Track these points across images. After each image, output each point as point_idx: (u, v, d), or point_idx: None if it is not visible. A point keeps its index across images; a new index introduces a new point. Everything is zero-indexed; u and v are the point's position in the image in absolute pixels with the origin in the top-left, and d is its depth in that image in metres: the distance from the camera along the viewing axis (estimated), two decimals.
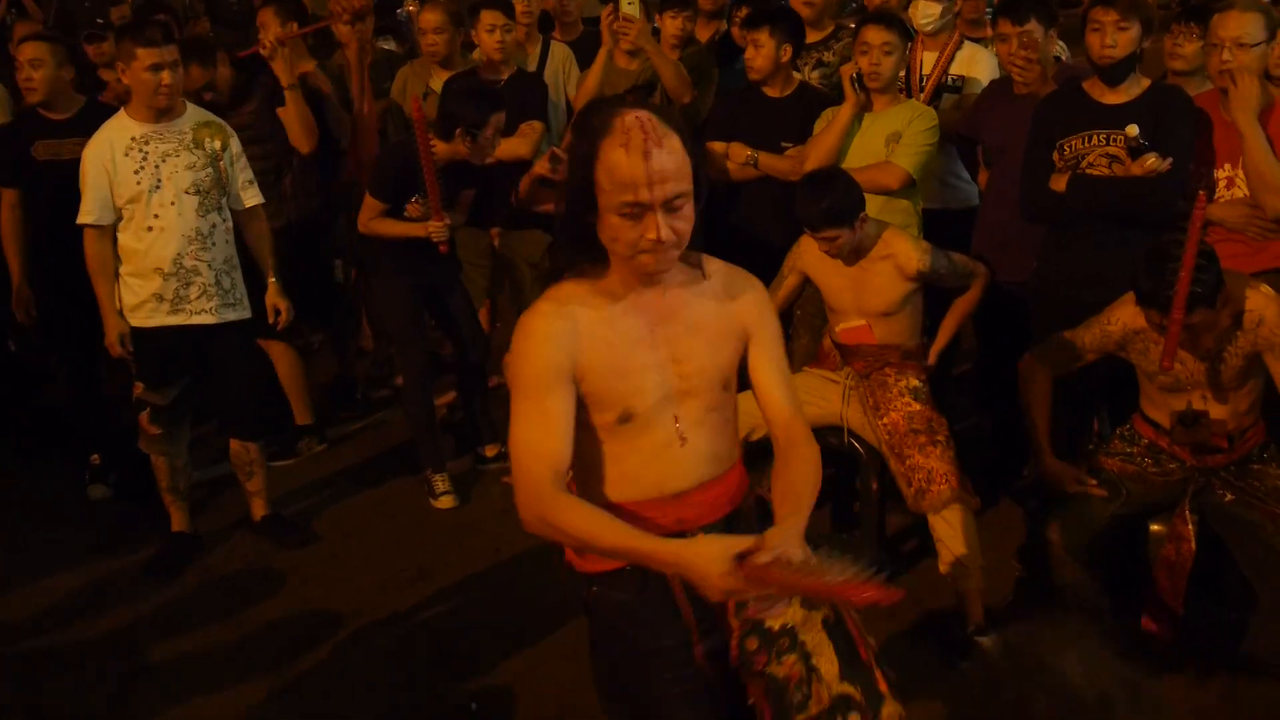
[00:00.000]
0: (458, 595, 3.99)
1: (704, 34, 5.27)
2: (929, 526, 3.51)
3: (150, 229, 3.89)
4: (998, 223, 4.13)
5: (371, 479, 4.84)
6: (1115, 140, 3.59)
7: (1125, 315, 3.24)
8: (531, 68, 5.11)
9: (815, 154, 4.10)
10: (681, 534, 2.02)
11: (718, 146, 4.49)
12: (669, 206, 1.90)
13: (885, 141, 4.02)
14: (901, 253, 3.61)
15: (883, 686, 2.10)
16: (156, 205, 3.88)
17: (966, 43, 4.67)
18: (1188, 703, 3.28)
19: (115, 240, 3.95)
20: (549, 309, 2.00)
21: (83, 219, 3.90)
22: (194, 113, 4.02)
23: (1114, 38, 3.55)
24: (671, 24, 4.99)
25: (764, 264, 4.03)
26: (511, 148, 4.63)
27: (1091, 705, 3.25)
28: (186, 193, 3.92)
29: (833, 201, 3.50)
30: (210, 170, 3.96)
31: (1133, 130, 3.52)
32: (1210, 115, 3.67)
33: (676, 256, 1.98)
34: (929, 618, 3.71)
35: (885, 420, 3.63)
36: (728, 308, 2.12)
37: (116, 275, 3.97)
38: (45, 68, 4.29)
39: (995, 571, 3.59)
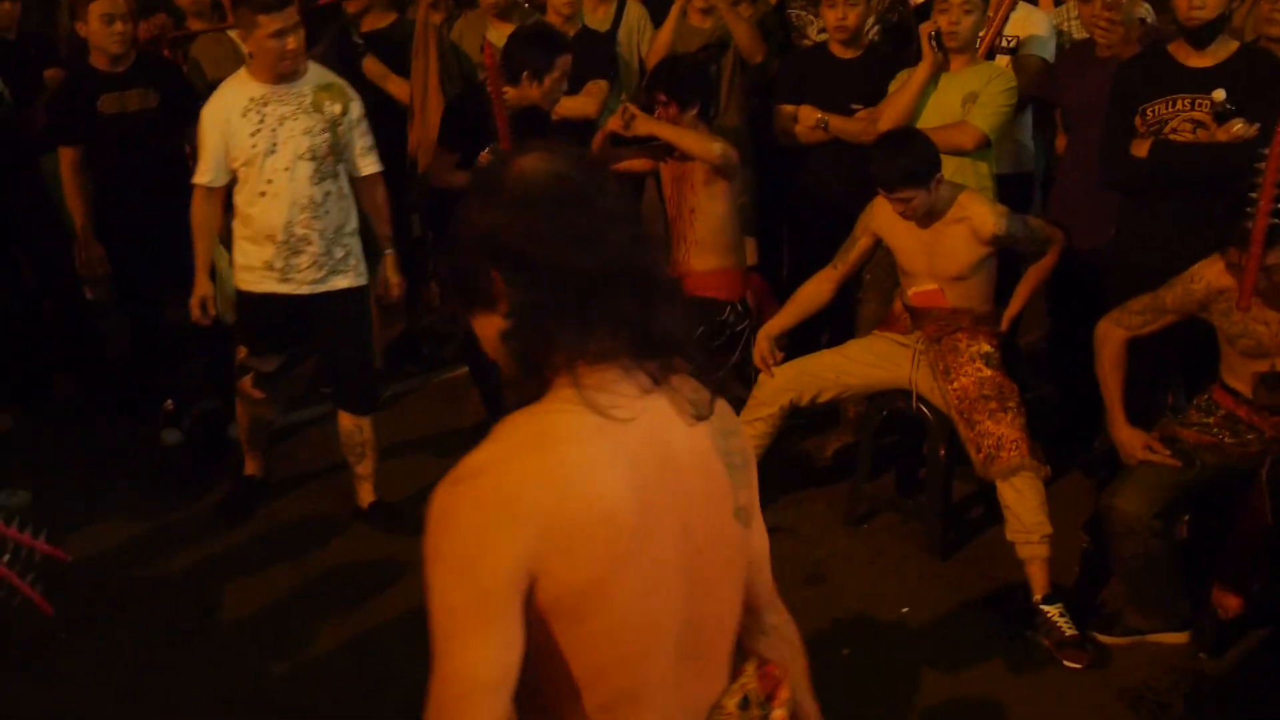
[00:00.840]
0: None
1: None
2: (997, 494, 3.49)
3: (263, 194, 3.75)
4: (1075, 189, 4.06)
5: (435, 435, 4.86)
6: (1201, 105, 3.51)
7: (1210, 274, 3.17)
8: (606, 27, 5.09)
9: (890, 113, 4.05)
10: None
11: (787, 109, 4.45)
12: None
13: (962, 102, 3.96)
14: (977, 216, 3.56)
15: None
16: (270, 170, 3.73)
17: (1021, 3, 4.59)
18: (1246, 686, 3.24)
19: (229, 202, 3.88)
20: (481, 481, 1.29)
21: (197, 179, 3.82)
22: (315, 74, 3.83)
23: None
24: None
25: (831, 227, 4.05)
26: (577, 106, 4.61)
27: (1148, 682, 3.26)
28: (301, 158, 3.75)
29: (909, 160, 3.46)
30: (328, 135, 3.79)
31: (1220, 95, 3.44)
32: None
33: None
34: (994, 586, 3.69)
35: (955, 385, 3.60)
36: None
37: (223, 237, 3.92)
38: (127, 22, 4.32)
39: (1062, 541, 3.56)
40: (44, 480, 4.36)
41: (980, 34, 4.40)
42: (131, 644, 3.53)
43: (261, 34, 3.61)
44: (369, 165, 3.96)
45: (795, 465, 4.42)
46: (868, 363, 3.83)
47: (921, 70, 4.02)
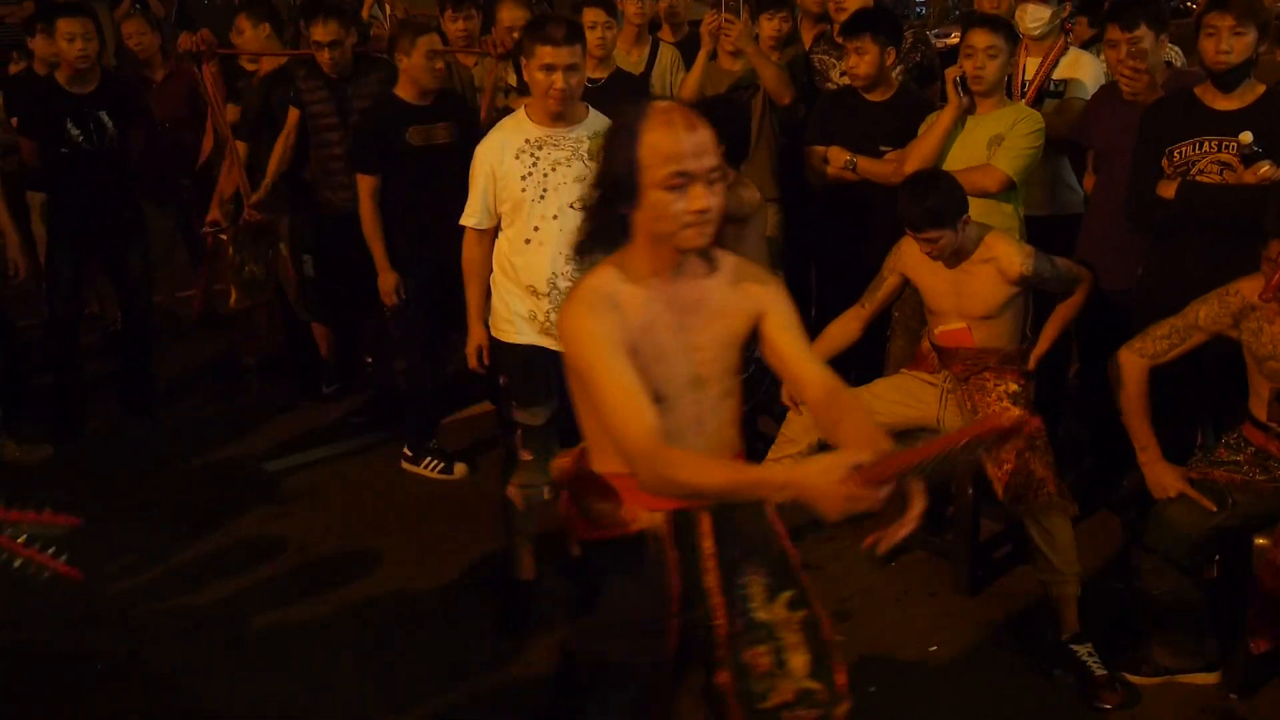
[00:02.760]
0: (554, 576, 4.04)
1: (808, 35, 5.28)
2: (1025, 532, 3.49)
3: (528, 241, 3.58)
4: (1103, 228, 4.09)
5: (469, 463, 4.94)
6: (1228, 147, 3.54)
7: (1247, 288, 3.19)
8: (640, 69, 5.18)
9: (916, 156, 4.09)
10: (689, 513, 2.24)
11: (818, 150, 4.51)
12: (709, 179, 2.05)
13: (988, 144, 4.00)
14: (1004, 256, 3.59)
15: (841, 685, 2.29)
16: (538, 216, 3.55)
17: (1071, 48, 4.63)
18: None
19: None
20: (591, 295, 2.12)
21: (465, 219, 3.69)
22: (595, 120, 3.61)
23: (1229, 43, 3.49)
24: (768, 25, 5.02)
25: (859, 267, 4.09)
26: None
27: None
28: (572, 207, 3.45)
29: (936, 201, 3.50)
30: None
31: (1246, 137, 3.46)
32: None
33: (713, 233, 2.12)
34: (1022, 624, 3.69)
35: None
36: (738, 295, 2.24)
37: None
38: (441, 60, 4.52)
39: (1090, 580, 3.56)
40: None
41: (1028, 78, 4.46)
42: (167, 675, 3.57)
43: (535, 64, 3.47)
44: None
45: None
46: (895, 400, 3.86)
47: (947, 114, 4.07)
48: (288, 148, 5.13)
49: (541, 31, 3.45)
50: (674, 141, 2.03)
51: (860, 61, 4.31)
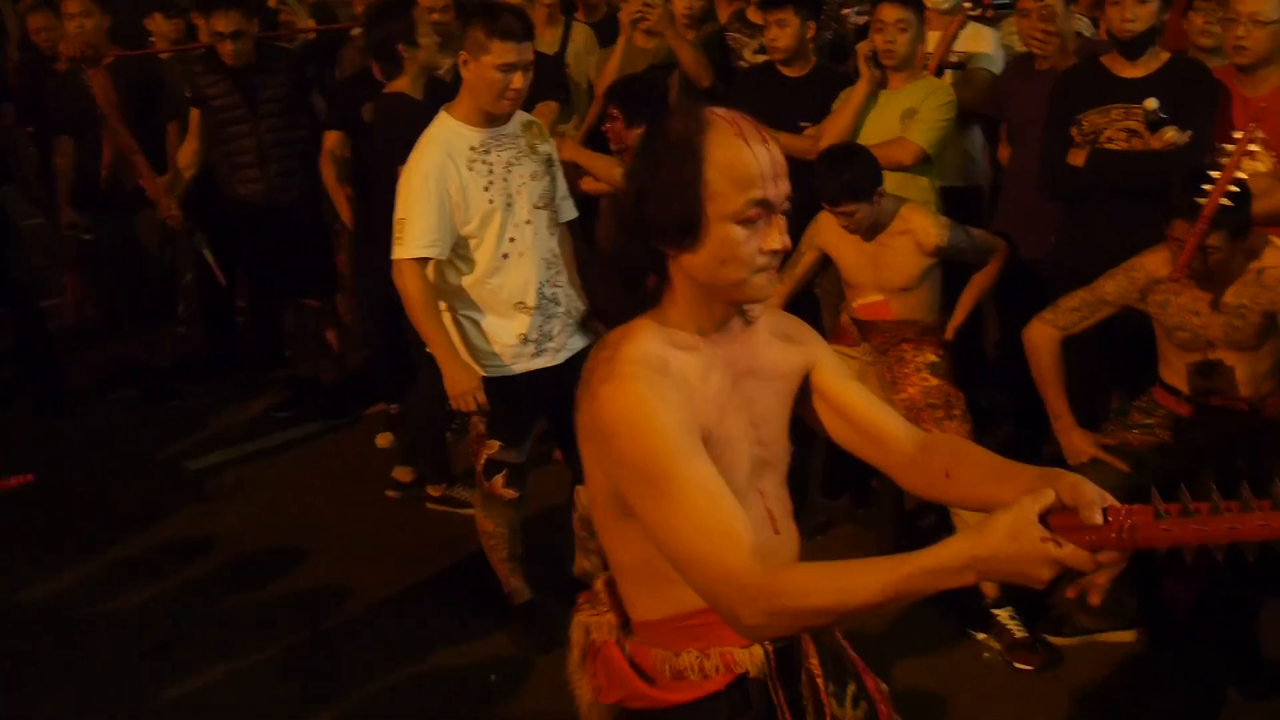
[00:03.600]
0: (485, 569, 4.02)
1: (725, 12, 5.27)
2: (952, 517, 3.53)
3: (506, 256, 3.27)
4: (1019, 199, 4.14)
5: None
6: (1134, 114, 3.59)
7: (1151, 263, 3.24)
8: (554, 49, 5.14)
9: (831, 131, 4.11)
10: (794, 639, 1.76)
11: None
12: (784, 210, 1.61)
13: (901, 118, 4.02)
14: (919, 228, 3.62)
15: None
16: (511, 226, 3.27)
17: (970, 22, 4.69)
18: (1192, 680, 3.30)
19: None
20: (642, 369, 1.57)
21: (409, 253, 3.18)
22: (514, 114, 3.37)
23: (1133, 11, 3.54)
24: (680, 2, 4.95)
25: None
26: None
27: (1097, 681, 3.31)
28: (537, 207, 3.31)
29: (852, 175, 3.51)
30: (548, 179, 3.37)
31: (1151, 104, 3.52)
32: (1229, 89, 3.66)
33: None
34: (946, 591, 3.71)
35: (902, 395, 3.65)
36: (786, 349, 1.80)
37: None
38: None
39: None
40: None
41: (927, 51, 4.49)
42: (94, 676, 3.51)
43: (489, 62, 3.12)
44: (569, 210, 3.55)
45: None
46: None
47: (860, 88, 4.09)
48: (194, 150, 5.01)
49: (497, 24, 3.10)
50: (751, 160, 1.55)
51: (781, 34, 4.31)
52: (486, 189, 3.22)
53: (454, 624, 3.72)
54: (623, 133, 4.18)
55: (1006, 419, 4.42)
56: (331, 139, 4.59)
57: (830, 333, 4.14)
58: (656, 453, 1.50)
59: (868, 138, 4.03)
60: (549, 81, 4.81)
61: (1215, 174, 2.94)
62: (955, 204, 4.27)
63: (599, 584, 1.84)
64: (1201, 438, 3.29)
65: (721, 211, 1.56)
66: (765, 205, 1.57)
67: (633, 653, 1.77)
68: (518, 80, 3.16)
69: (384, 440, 4.98)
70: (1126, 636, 3.43)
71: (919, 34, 4.13)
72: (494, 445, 3.40)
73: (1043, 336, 3.41)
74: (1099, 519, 1.31)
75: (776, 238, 1.59)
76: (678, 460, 1.50)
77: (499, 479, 3.44)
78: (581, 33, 5.22)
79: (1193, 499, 1.28)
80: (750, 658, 1.71)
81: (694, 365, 1.63)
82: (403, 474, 4.56)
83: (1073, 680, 3.31)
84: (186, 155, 5.02)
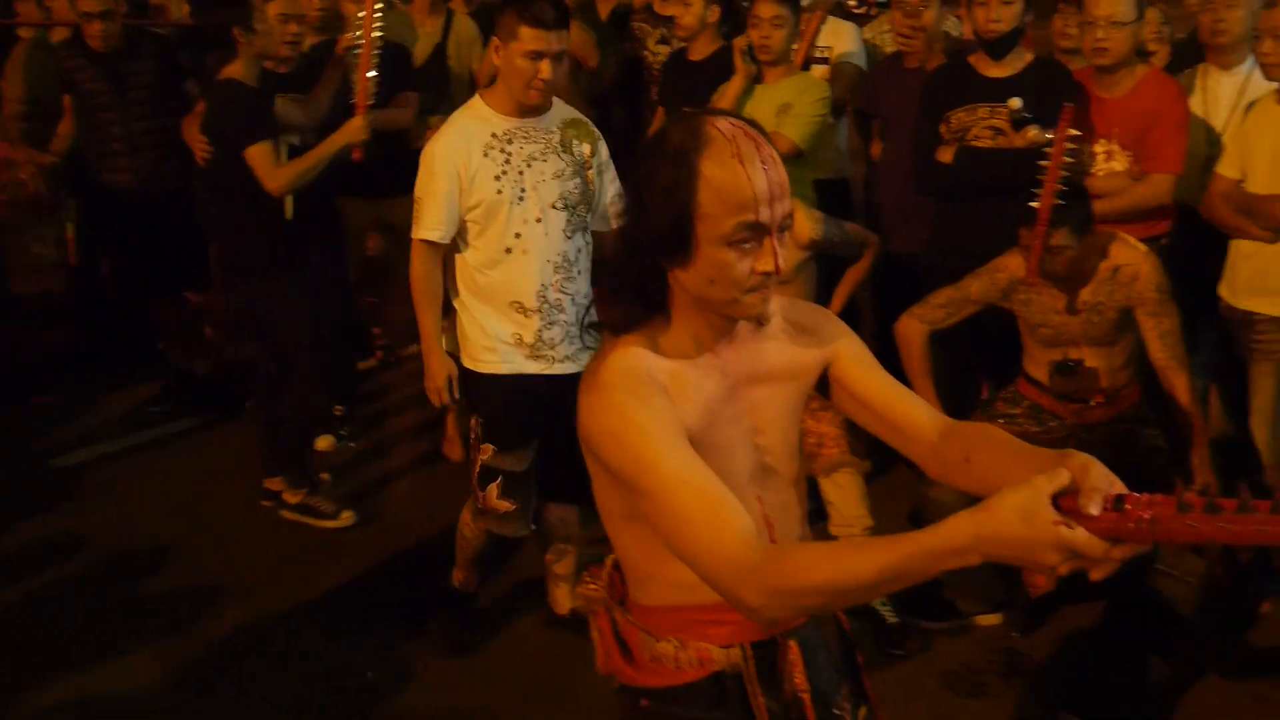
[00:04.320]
0: (359, 566, 4.00)
1: (605, 7, 5.30)
2: (820, 490, 3.60)
3: (509, 250, 3.14)
4: (891, 194, 4.23)
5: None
6: (999, 113, 3.70)
7: (1013, 264, 3.35)
8: (435, 40, 5.10)
9: None
10: (774, 643, 1.74)
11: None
12: (782, 228, 1.57)
13: (775, 112, 4.07)
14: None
15: None
16: (518, 221, 3.12)
17: (830, 17, 4.82)
18: (1055, 659, 3.43)
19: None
20: (628, 379, 1.57)
21: (421, 232, 3.14)
22: (559, 109, 3.25)
23: (998, 12, 3.65)
24: None
25: None
26: (391, 118, 4.56)
27: (966, 663, 3.42)
28: (554, 207, 3.15)
29: None
30: (579, 180, 3.20)
31: (1015, 103, 3.63)
32: (1089, 89, 3.79)
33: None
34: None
35: None
36: (801, 347, 1.76)
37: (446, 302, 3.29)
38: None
39: (886, 531, 3.68)
40: None
41: (794, 46, 4.57)
42: None
43: (517, 49, 3.03)
44: (610, 220, 3.37)
45: None
46: None
47: (735, 83, 4.13)
48: (65, 134, 4.86)
49: (529, 10, 3.00)
50: (745, 184, 1.50)
51: (686, 12, 4.38)
52: (498, 178, 3.10)
53: (330, 622, 3.69)
54: None
55: None
56: None
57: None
58: (640, 456, 1.51)
59: None
60: (403, 69, 4.73)
61: (1042, 176, 3.05)
62: (825, 196, 4.35)
63: (607, 562, 1.85)
64: (1061, 429, 3.41)
65: (711, 233, 1.52)
66: (757, 228, 1.52)
67: (621, 629, 1.80)
68: (546, 69, 3.03)
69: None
70: (993, 619, 3.55)
71: (794, 31, 4.19)
72: (488, 449, 3.24)
73: (912, 331, 3.50)
74: (1098, 505, 1.24)
75: (769, 260, 1.54)
76: (660, 459, 1.50)
77: (493, 488, 3.24)
78: (464, 24, 5.18)
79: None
80: (727, 657, 1.72)
81: (683, 376, 1.61)
82: (274, 484, 4.37)
83: (942, 663, 3.41)
84: (60, 138, 4.88)
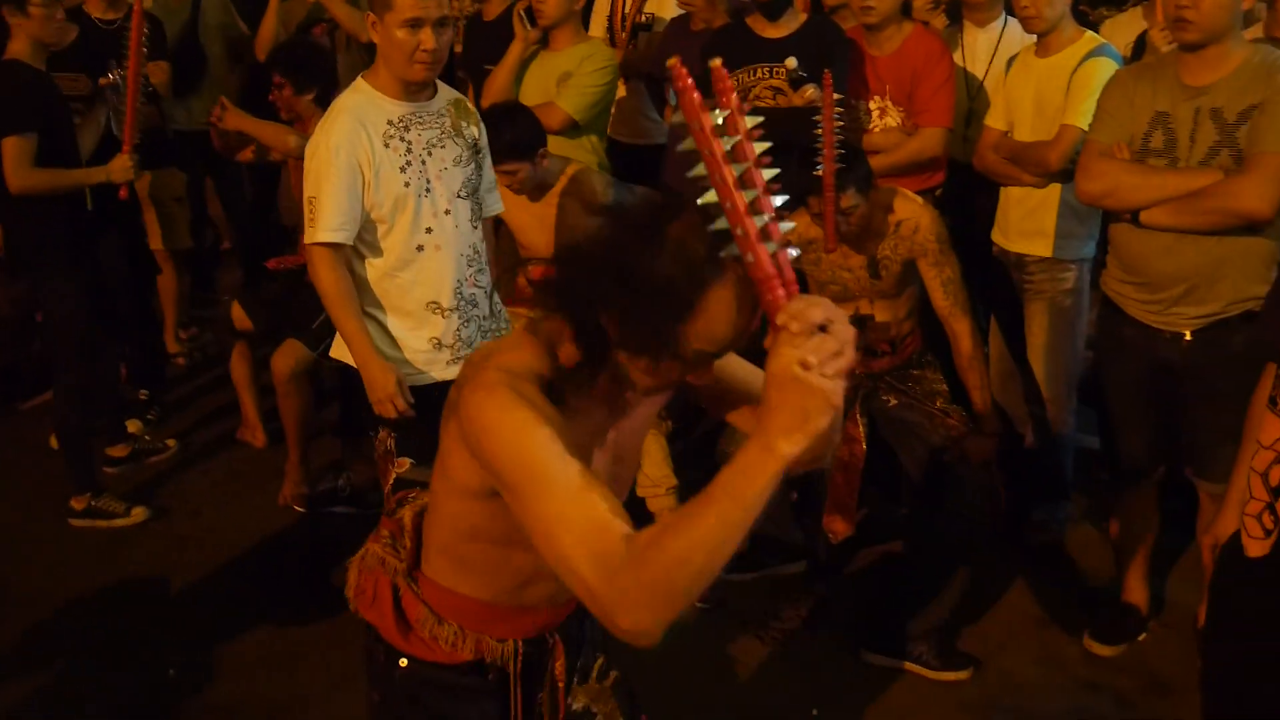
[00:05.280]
0: (156, 576, 3.86)
1: None
2: None
3: (421, 249, 2.88)
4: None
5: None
6: (777, 73, 3.77)
7: (799, 226, 3.41)
8: (185, 15, 4.99)
9: (490, 91, 4.11)
10: (544, 641, 1.86)
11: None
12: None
13: (556, 81, 4.06)
14: (585, 186, 3.67)
15: None
16: (428, 215, 2.88)
17: None
18: (855, 602, 3.55)
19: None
20: (515, 380, 1.54)
21: (318, 237, 2.82)
22: (443, 90, 3.00)
23: None
24: None
25: None
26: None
27: (769, 611, 3.50)
28: (459, 196, 2.92)
29: (514, 135, 3.51)
30: (474, 166, 2.98)
31: (792, 63, 3.70)
32: (862, 48, 3.89)
33: None
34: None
35: None
36: None
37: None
38: None
39: (692, 491, 3.74)
40: None
41: (628, 13, 4.56)
42: None
43: (393, 20, 2.73)
44: (496, 203, 3.19)
45: None
46: None
47: (514, 48, 4.10)
48: None
49: None
50: (735, 329, 1.47)
51: None
52: (403, 169, 2.84)
53: (130, 624, 3.55)
54: (292, 100, 4.06)
55: None
56: None
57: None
58: (525, 459, 1.46)
59: (528, 98, 4.05)
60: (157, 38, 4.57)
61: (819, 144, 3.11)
62: (635, 162, 4.37)
63: (408, 518, 1.87)
64: (850, 379, 3.49)
65: (678, 348, 1.47)
66: (715, 356, 1.52)
67: (404, 598, 1.83)
68: (429, 39, 2.74)
69: None
70: (795, 568, 3.64)
71: None
72: (405, 463, 2.96)
73: None
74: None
75: (705, 376, 1.55)
76: (548, 464, 1.45)
77: (411, 509, 3.05)
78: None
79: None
80: (501, 652, 1.82)
81: (570, 401, 1.57)
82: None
83: (747, 612, 3.49)
84: None
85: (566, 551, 1.39)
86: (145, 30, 3.84)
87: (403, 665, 1.84)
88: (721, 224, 1.28)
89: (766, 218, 1.27)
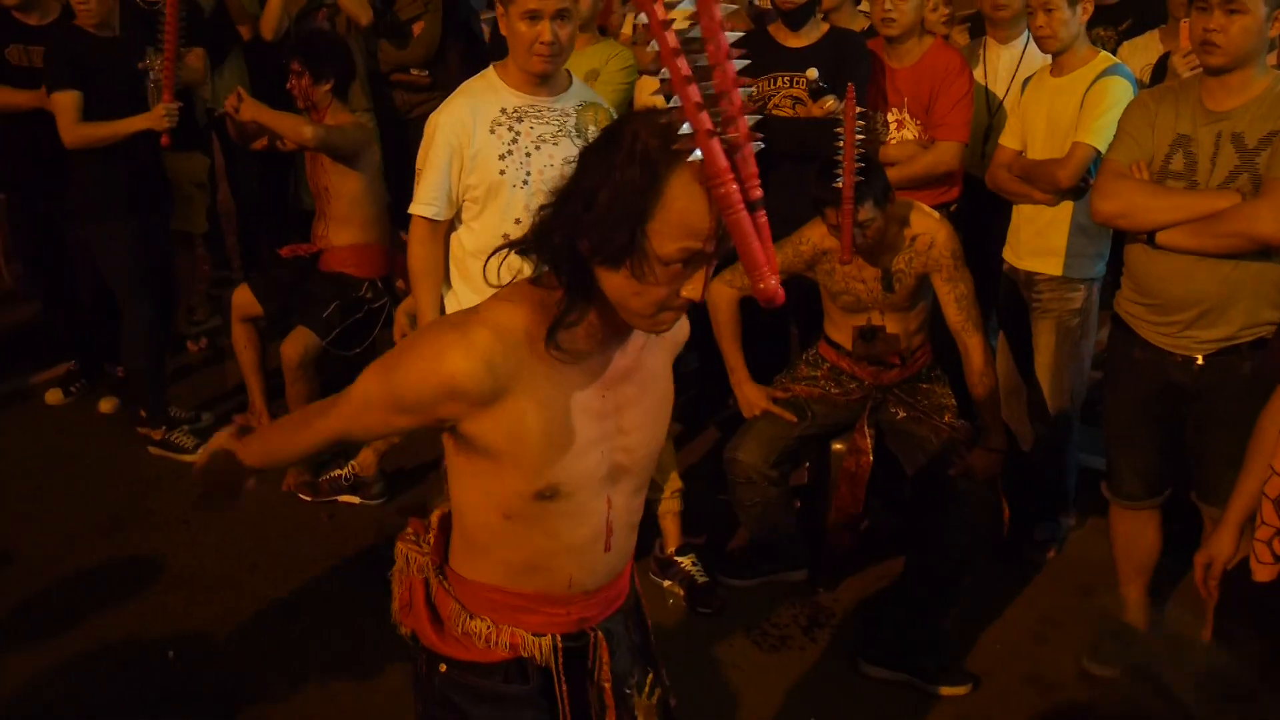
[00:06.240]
0: (150, 544, 3.85)
1: None
2: None
3: (506, 237, 2.68)
4: None
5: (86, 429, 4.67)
6: (798, 82, 3.78)
7: (815, 236, 3.42)
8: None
9: None
10: (585, 637, 1.80)
11: None
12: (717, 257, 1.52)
13: (585, 79, 4.07)
14: None
15: None
16: (519, 207, 2.90)
17: None
18: (855, 613, 3.56)
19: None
20: (487, 334, 1.57)
21: (418, 208, 2.95)
22: (579, 89, 3.05)
23: None
24: None
25: None
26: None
27: (770, 618, 3.50)
28: None
29: None
30: None
31: (813, 73, 3.71)
32: (881, 59, 3.90)
33: None
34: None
35: None
36: (663, 346, 1.77)
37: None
38: None
39: (698, 496, 3.76)
40: None
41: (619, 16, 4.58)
42: None
43: (515, 11, 2.76)
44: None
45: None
46: None
47: None
48: None
49: None
50: (704, 215, 1.44)
51: None
52: (502, 158, 2.89)
53: (128, 597, 3.56)
54: (310, 89, 4.07)
55: (695, 375, 4.59)
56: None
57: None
58: (397, 390, 1.59)
59: None
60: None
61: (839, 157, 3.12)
62: None
63: (435, 517, 1.84)
64: (860, 390, 3.52)
65: (654, 249, 1.46)
66: (698, 257, 1.48)
67: (435, 596, 1.80)
68: (546, 32, 2.76)
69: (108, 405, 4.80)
70: (797, 576, 3.65)
71: None
72: None
73: (721, 296, 3.56)
74: None
75: (696, 288, 1.50)
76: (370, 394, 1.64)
77: None
78: None
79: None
80: (539, 646, 1.75)
81: (554, 367, 1.58)
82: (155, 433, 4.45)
83: (749, 619, 3.49)
84: None
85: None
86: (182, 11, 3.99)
87: (442, 671, 1.78)
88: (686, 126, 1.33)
89: (723, 115, 1.31)
